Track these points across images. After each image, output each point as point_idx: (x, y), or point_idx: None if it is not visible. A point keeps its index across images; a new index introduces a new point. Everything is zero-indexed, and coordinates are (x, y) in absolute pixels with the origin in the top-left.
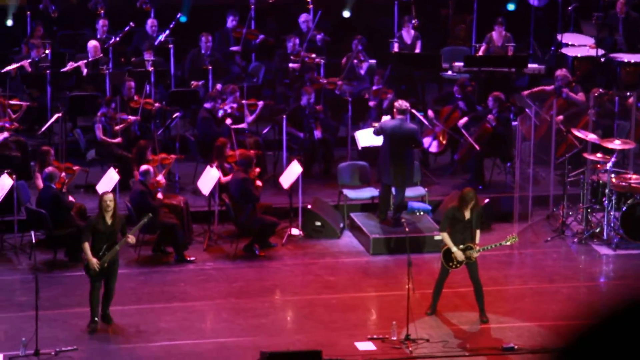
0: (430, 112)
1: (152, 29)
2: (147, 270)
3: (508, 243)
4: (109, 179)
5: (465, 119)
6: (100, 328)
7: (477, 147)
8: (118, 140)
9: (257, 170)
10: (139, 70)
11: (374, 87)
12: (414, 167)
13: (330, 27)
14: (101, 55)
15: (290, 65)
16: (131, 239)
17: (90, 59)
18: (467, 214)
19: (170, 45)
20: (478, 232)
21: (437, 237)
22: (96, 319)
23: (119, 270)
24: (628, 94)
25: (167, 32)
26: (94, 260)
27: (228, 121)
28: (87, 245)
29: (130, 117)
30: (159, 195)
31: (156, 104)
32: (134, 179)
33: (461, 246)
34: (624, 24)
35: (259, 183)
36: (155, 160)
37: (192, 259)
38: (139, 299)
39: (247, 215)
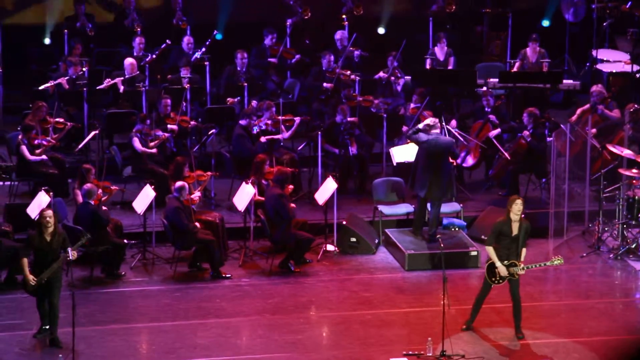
0: (453, 122)
1: (189, 46)
2: (183, 287)
3: (554, 264)
4: (145, 196)
5: (497, 130)
6: (135, 341)
7: (507, 156)
8: (153, 150)
9: (291, 187)
10: (175, 88)
11: (412, 105)
12: (451, 182)
13: (366, 44)
14: (137, 72)
15: (324, 85)
16: (71, 255)
17: (126, 76)
18: (515, 230)
19: (206, 62)
20: (524, 250)
21: (472, 253)
22: (45, 327)
23: (154, 286)
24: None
25: (203, 49)
26: (30, 277)
27: (263, 139)
28: (25, 262)
29: (164, 133)
30: (197, 224)
31: (192, 122)
32: (171, 195)
33: (505, 262)
34: None
35: (292, 205)
36: (191, 177)
37: (228, 275)
38: (175, 315)
39: (282, 231)
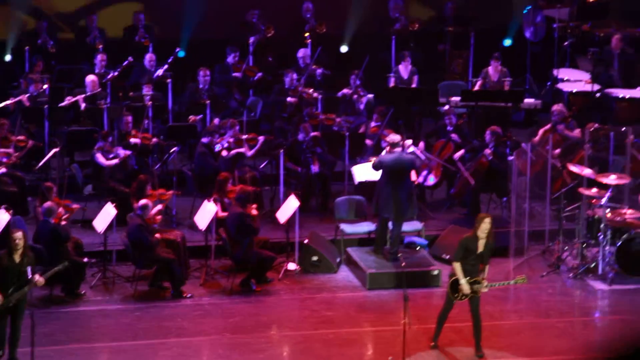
0: (421, 144)
1: (151, 63)
2: (143, 306)
3: (517, 283)
4: (106, 214)
5: (461, 152)
6: None
7: (472, 181)
8: (115, 161)
9: (254, 206)
10: (136, 105)
11: (372, 124)
12: (413, 200)
13: (328, 62)
14: (99, 89)
15: (288, 99)
16: (39, 281)
17: (88, 94)
18: (481, 247)
19: (169, 80)
20: (487, 267)
21: (434, 272)
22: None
23: (114, 305)
24: (623, 129)
25: (166, 66)
26: None
27: (225, 153)
28: None
29: (125, 151)
30: (157, 235)
31: (154, 139)
32: (132, 213)
33: (468, 279)
34: (619, 60)
35: (254, 212)
36: (154, 195)
37: (189, 294)
38: (135, 335)
39: (244, 250)
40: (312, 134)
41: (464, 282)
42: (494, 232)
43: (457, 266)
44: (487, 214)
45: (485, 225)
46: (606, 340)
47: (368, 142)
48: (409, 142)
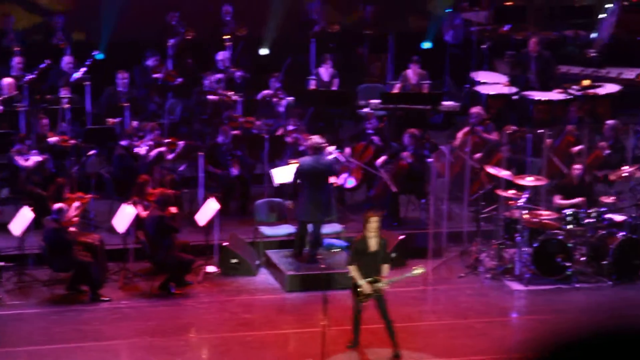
0: (347, 150)
1: (68, 66)
2: (60, 309)
3: (416, 273)
4: (23, 217)
5: (383, 158)
6: None
7: (394, 188)
8: (31, 164)
9: (174, 209)
10: (54, 108)
11: (289, 127)
12: (332, 202)
13: (248, 65)
14: (16, 92)
15: (209, 97)
16: None
17: (4, 96)
18: (373, 246)
19: (87, 83)
20: (386, 266)
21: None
22: None
23: (31, 309)
24: (540, 131)
25: (84, 69)
26: None
27: (142, 152)
28: None
29: (42, 155)
30: (72, 228)
31: (71, 141)
32: (49, 216)
33: (368, 279)
34: (536, 63)
35: (173, 210)
36: (71, 198)
37: (107, 298)
38: (52, 339)
39: (163, 252)
40: (233, 132)
41: (363, 283)
42: (414, 234)
43: (353, 269)
44: (373, 212)
45: (372, 225)
46: (523, 340)
47: (288, 139)
48: (331, 148)
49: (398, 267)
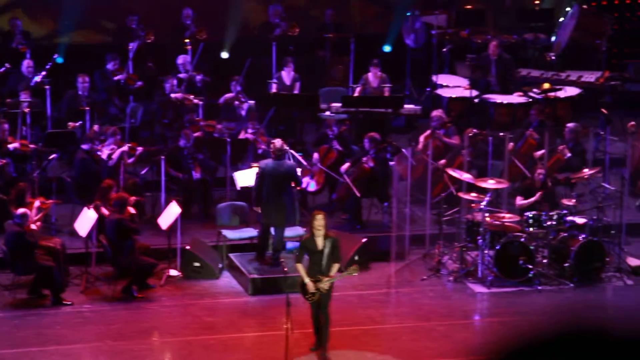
0: (315, 156)
1: (28, 69)
2: (22, 314)
3: (352, 274)
4: None
5: (347, 165)
6: None
7: (358, 193)
8: None
9: (132, 211)
10: (14, 112)
11: (249, 131)
12: (294, 206)
13: (209, 68)
14: None
15: (173, 95)
16: None
17: None
18: (320, 244)
19: (47, 86)
20: (337, 265)
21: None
22: None
23: None
24: (501, 134)
25: (44, 73)
26: None
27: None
28: None
29: (1, 159)
30: (33, 226)
31: (32, 145)
32: (10, 221)
33: (312, 278)
34: (496, 66)
35: (132, 210)
36: (33, 203)
37: (69, 302)
38: (13, 343)
39: (124, 256)
40: (195, 134)
41: (308, 281)
42: (376, 237)
43: (299, 267)
44: (318, 210)
45: (317, 222)
46: (485, 342)
47: (248, 135)
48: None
49: (361, 270)
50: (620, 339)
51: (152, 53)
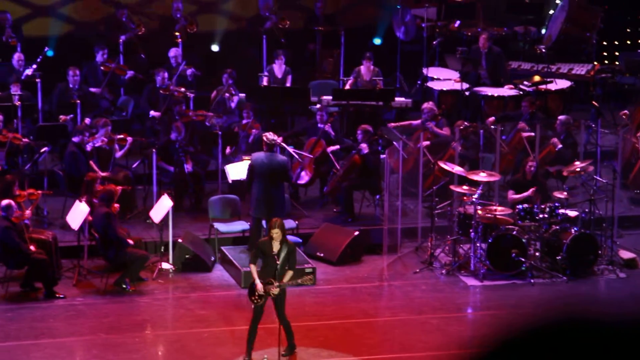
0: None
1: (19, 62)
2: (15, 307)
3: (305, 284)
4: None
5: (336, 147)
6: None
7: (338, 167)
8: None
9: (117, 206)
10: (5, 105)
11: (243, 121)
12: (284, 199)
13: (200, 62)
14: None
15: (160, 91)
16: None
17: None
18: (275, 247)
19: (38, 79)
20: (290, 273)
21: (307, 270)
22: None
23: None
24: (492, 127)
25: (34, 66)
26: None
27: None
28: None
29: None
30: (31, 247)
31: (24, 139)
32: None
33: (263, 281)
34: (486, 59)
35: (116, 205)
36: (22, 195)
37: (62, 295)
38: (6, 336)
39: (116, 249)
40: (184, 123)
41: (258, 283)
42: (368, 230)
43: (252, 268)
44: (277, 219)
45: (274, 230)
46: (478, 335)
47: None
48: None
49: (353, 264)
50: (612, 331)
51: (143, 45)
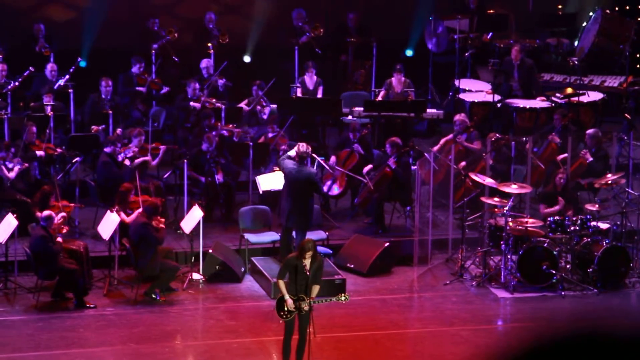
0: (332, 158)
1: (52, 73)
2: (46, 316)
3: (340, 300)
4: (7, 224)
5: (369, 167)
6: None
7: (371, 185)
8: (13, 175)
9: (162, 220)
10: (38, 115)
11: (270, 135)
12: (314, 210)
13: (232, 73)
14: None
15: (192, 104)
16: None
17: None
18: (307, 265)
19: (70, 90)
20: (317, 287)
21: (337, 281)
22: None
23: (16, 316)
24: (524, 139)
25: (67, 76)
26: None
27: (127, 162)
28: None
29: (24, 163)
30: (59, 239)
31: (58, 149)
32: (34, 224)
33: (294, 297)
34: (519, 71)
35: (162, 225)
36: (57, 206)
37: (92, 305)
38: (37, 346)
39: (147, 259)
40: (220, 131)
41: (288, 298)
42: (399, 241)
43: (281, 284)
44: (310, 239)
45: (307, 252)
46: (507, 347)
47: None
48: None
49: (383, 275)
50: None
51: (175, 52)
